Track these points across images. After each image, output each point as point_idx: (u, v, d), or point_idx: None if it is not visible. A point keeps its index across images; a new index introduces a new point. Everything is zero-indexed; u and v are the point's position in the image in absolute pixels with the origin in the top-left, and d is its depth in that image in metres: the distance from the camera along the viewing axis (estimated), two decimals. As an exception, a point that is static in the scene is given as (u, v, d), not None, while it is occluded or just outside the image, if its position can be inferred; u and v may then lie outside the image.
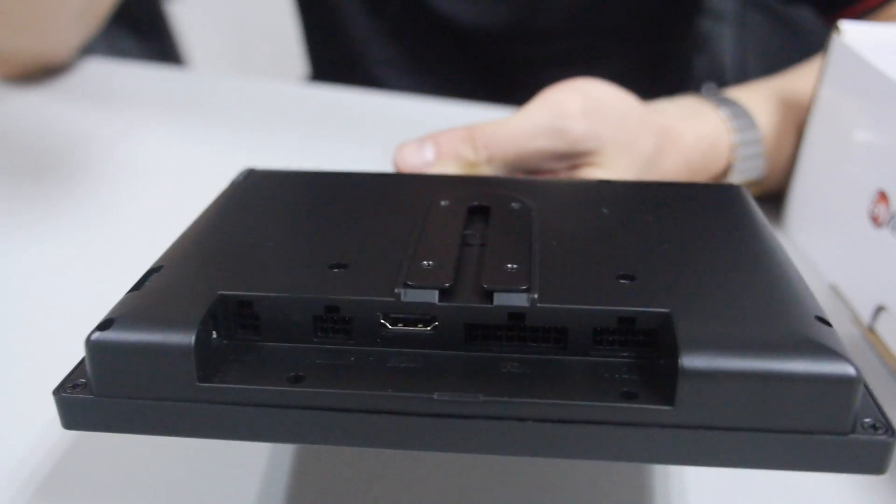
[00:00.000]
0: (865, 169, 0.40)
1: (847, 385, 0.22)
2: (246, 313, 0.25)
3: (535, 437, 0.23)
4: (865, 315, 0.39)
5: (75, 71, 0.67)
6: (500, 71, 0.73)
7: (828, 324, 0.24)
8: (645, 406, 0.22)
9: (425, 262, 0.26)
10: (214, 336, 0.25)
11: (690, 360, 0.22)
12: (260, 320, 0.25)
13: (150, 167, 0.54)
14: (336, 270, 0.26)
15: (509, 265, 0.25)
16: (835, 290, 0.42)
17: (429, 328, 0.25)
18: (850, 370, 0.22)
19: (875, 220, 0.39)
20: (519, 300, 0.24)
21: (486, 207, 0.30)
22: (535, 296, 0.24)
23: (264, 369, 0.24)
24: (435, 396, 0.22)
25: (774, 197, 0.49)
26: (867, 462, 0.22)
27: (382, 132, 0.56)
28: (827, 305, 0.42)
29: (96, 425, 0.24)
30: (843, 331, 0.40)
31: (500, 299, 0.24)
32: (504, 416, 0.22)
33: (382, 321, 0.25)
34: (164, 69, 0.70)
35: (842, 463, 0.22)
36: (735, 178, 0.45)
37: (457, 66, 0.73)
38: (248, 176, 0.35)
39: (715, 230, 0.29)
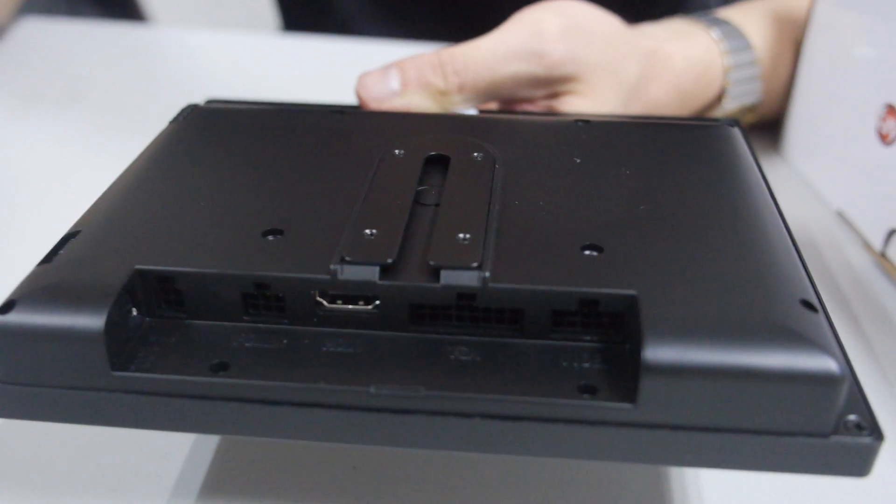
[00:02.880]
0: (870, 84, 0.37)
1: (829, 383, 0.19)
2: (168, 289, 0.22)
3: (482, 433, 0.20)
4: (877, 240, 0.36)
5: (11, 33, 0.63)
6: (476, 13, 0.69)
7: (814, 308, 0.21)
8: (603, 403, 0.20)
9: (368, 231, 0.23)
10: (135, 314, 0.22)
11: (654, 354, 0.19)
12: (184, 297, 0.22)
13: (96, 128, 0.50)
14: (271, 238, 0.23)
15: (461, 235, 0.22)
16: (842, 217, 0.40)
17: (370, 307, 0.22)
18: (832, 367, 0.19)
19: (884, 138, 0.36)
20: (468, 279, 0.21)
21: (444, 157, 0.27)
22: (487, 274, 0.21)
23: (187, 354, 0.21)
24: (371, 390, 0.20)
25: (772, 123, 0.46)
26: (849, 465, 0.20)
27: (356, 79, 0.53)
28: (834, 234, 0.39)
29: (3, 412, 0.22)
30: (854, 259, 0.37)
31: (448, 278, 0.21)
32: (447, 411, 0.20)
33: (319, 299, 0.22)
34: (122, 25, 0.66)
35: (822, 465, 0.20)
36: (729, 104, 0.42)
37: (430, 8, 0.69)
38: (190, 114, 0.32)
39: (698, 187, 0.26)
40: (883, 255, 0.36)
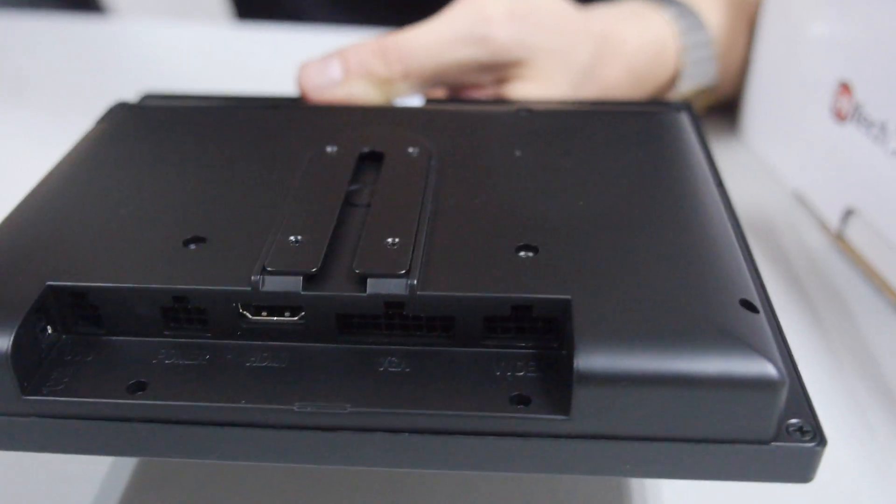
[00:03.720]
0: (825, 61, 0.36)
1: (767, 389, 0.18)
2: (83, 305, 0.21)
3: (411, 449, 0.19)
4: (833, 221, 0.36)
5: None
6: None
7: (754, 309, 0.20)
8: (536, 416, 0.19)
9: (293, 238, 0.21)
10: (49, 332, 0.21)
11: (586, 363, 0.18)
12: (101, 313, 0.21)
13: (41, 122, 0.48)
14: (192, 247, 0.22)
15: (390, 239, 0.21)
16: (799, 198, 0.39)
17: (296, 318, 0.21)
18: (770, 371, 0.18)
19: (838, 115, 0.35)
20: (396, 287, 0.20)
21: (379, 154, 0.26)
22: (415, 282, 0.20)
23: (104, 373, 0.20)
24: (295, 408, 0.19)
25: (730, 104, 0.45)
26: (792, 471, 0.19)
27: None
28: (791, 216, 0.38)
29: None
30: (810, 240, 0.36)
31: (375, 286, 0.20)
32: (374, 427, 0.19)
33: (242, 311, 0.21)
34: (74, 17, 0.64)
35: (763, 473, 0.19)
36: (685, 86, 0.41)
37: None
38: (117, 113, 0.30)
39: (640, 180, 0.25)
40: (840, 237, 0.35)
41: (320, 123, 0.29)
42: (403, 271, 0.20)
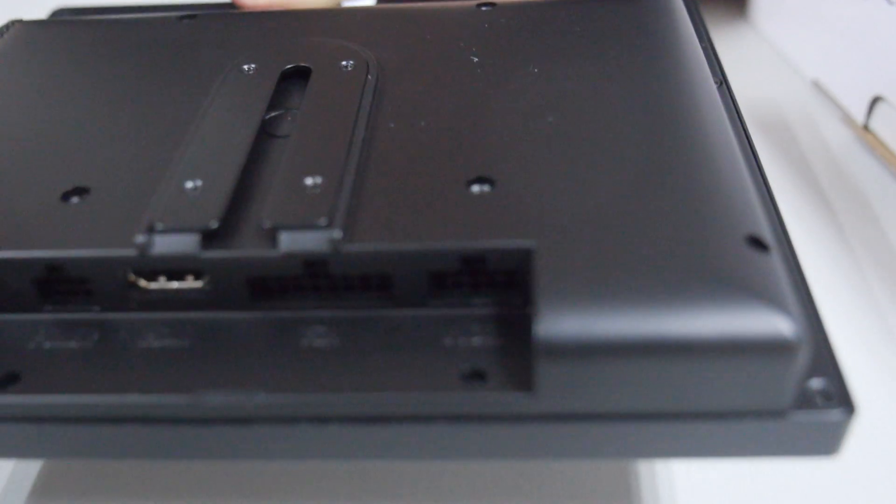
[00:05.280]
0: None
1: (781, 351, 0.14)
2: None
3: (343, 440, 0.16)
4: (858, 111, 0.31)
5: None
6: None
7: (763, 246, 0.16)
8: (493, 393, 0.15)
9: (191, 184, 0.17)
10: None
11: (549, 328, 0.14)
12: None
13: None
14: (74, 200, 0.18)
15: (310, 180, 0.17)
16: (818, 87, 0.34)
17: (199, 284, 0.17)
18: (783, 328, 0.14)
19: (862, -13, 0.30)
20: (314, 241, 0.16)
21: (306, 70, 0.21)
22: (339, 234, 0.16)
23: None
24: (196, 399, 0.15)
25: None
26: (814, 444, 0.15)
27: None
28: (810, 107, 0.33)
29: None
30: (832, 134, 0.32)
31: (289, 242, 0.16)
32: (295, 417, 0.16)
33: (133, 279, 0.17)
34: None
35: (780, 447, 0.15)
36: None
37: None
38: (7, 33, 0.26)
39: (620, 87, 0.20)
40: (866, 128, 0.31)
41: (241, 35, 0.24)
42: (325, 220, 0.16)
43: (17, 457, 0.17)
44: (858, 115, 0.31)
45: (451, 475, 0.22)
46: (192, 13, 0.26)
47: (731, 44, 0.38)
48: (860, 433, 0.20)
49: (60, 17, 0.29)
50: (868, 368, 0.23)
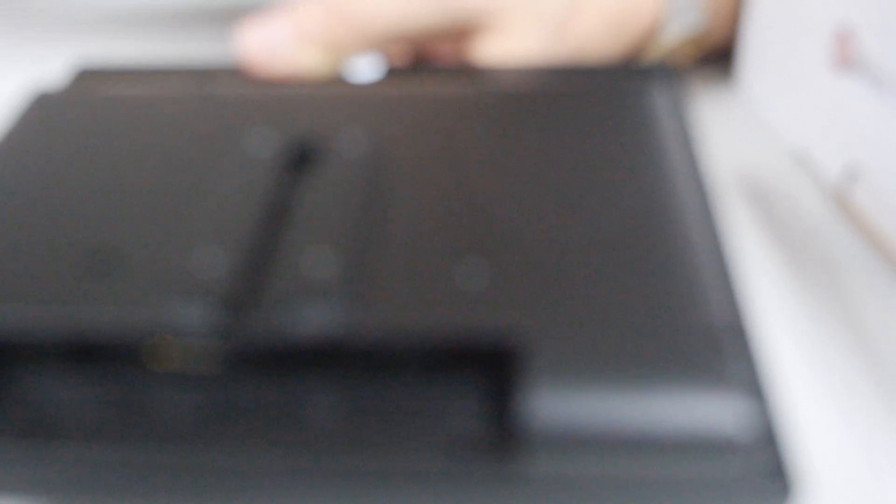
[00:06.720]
0: (826, 2, 0.32)
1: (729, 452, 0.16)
2: None
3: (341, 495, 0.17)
4: (837, 181, 0.32)
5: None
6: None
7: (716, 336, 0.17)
8: (479, 463, 0.17)
9: (197, 257, 0.19)
10: None
11: (531, 418, 0.16)
12: None
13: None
14: (91, 265, 0.20)
15: (313, 256, 0.19)
16: (798, 157, 0.35)
17: (205, 354, 0.18)
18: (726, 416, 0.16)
19: (843, 63, 0.31)
20: (316, 316, 0.18)
21: (310, 148, 0.23)
22: (339, 310, 0.18)
23: None
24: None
25: (724, 52, 0.41)
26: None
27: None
28: (789, 176, 0.34)
29: None
30: (811, 204, 0.33)
31: (290, 316, 0.18)
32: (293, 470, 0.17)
33: (149, 342, 0.18)
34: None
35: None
36: (672, 35, 0.37)
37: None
38: (37, 107, 0.27)
39: (607, 177, 0.22)
40: (843, 200, 0.31)
41: (250, 108, 0.26)
42: (326, 297, 0.18)
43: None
44: (836, 185, 0.32)
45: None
46: (205, 93, 0.27)
47: (717, 111, 0.39)
48: None
49: (83, 82, 0.30)
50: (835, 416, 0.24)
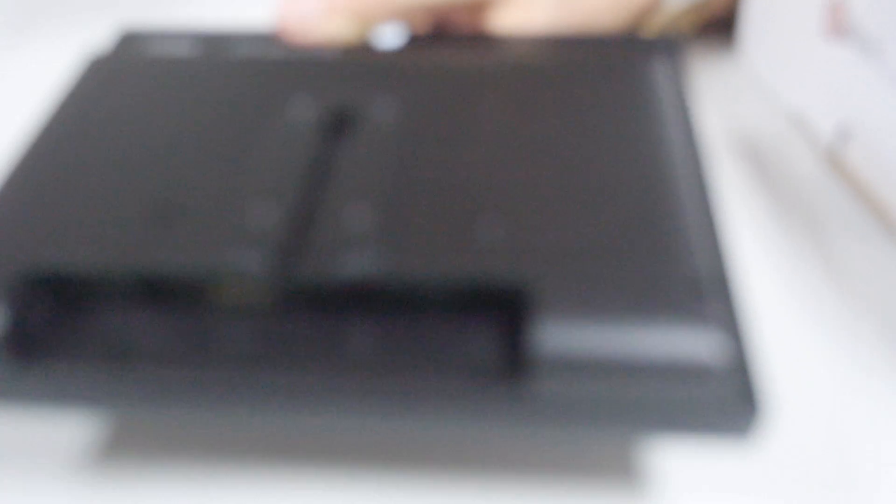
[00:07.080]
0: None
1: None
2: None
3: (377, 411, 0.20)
4: (832, 140, 0.34)
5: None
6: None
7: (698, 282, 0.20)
8: (490, 387, 0.20)
9: (249, 211, 0.22)
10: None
11: (536, 351, 0.19)
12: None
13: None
14: (156, 219, 0.23)
15: (349, 212, 0.22)
16: (794, 119, 0.37)
17: (255, 295, 0.21)
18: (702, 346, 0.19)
19: (835, 31, 0.33)
20: (352, 264, 0.21)
21: (347, 112, 0.26)
22: (372, 258, 0.21)
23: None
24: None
25: (727, 21, 0.43)
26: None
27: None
28: (784, 137, 0.36)
29: None
30: (803, 163, 0.35)
31: (334, 262, 0.21)
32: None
33: (207, 287, 0.22)
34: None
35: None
36: (674, 4, 0.39)
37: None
38: (91, 71, 0.30)
39: (608, 142, 0.25)
40: (835, 158, 0.34)
41: (288, 72, 0.29)
42: (362, 244, 0.21)
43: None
44: (832, 144, 0.34)
45: (455, 473, 0.25)
46: (245, 58, 0.30)
47: (719, 78, 0.41)
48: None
49: (129, 46, 0.33)
50: (816, 375, 0.26)
